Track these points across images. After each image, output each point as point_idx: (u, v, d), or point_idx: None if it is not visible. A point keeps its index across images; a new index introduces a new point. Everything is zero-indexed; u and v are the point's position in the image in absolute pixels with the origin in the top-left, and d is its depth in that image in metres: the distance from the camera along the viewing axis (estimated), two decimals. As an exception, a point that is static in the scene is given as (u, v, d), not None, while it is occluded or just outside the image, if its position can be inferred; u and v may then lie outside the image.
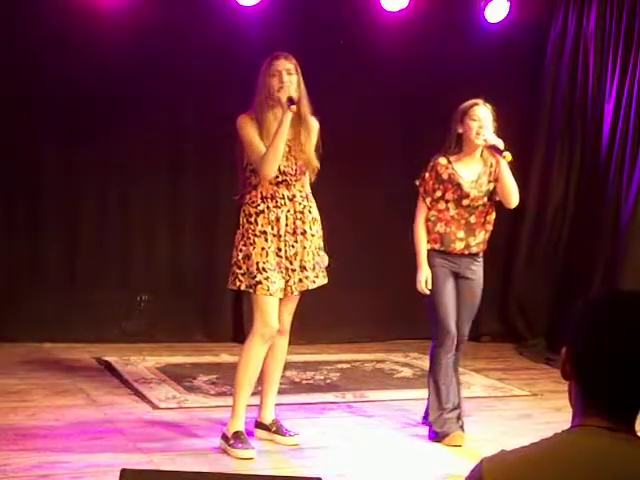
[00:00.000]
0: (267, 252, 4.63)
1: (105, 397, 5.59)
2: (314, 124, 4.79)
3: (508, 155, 4.73)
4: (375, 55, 7.21)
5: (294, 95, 4.54)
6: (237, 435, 4.62)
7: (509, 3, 7.27)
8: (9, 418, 5.06)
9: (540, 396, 6.11)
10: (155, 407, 5.43)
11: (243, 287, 4.68)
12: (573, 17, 7.49)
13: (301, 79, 4.68)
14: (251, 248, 4.63)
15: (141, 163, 7.10)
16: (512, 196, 4.85)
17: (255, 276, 4.61)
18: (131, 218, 7.16)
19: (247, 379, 4.67)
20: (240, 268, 4.66)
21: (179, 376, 6.17)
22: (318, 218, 4.83)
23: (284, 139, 4.55)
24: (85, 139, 6.92)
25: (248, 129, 4.64)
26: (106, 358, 6.54)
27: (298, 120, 4.66)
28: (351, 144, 7.05)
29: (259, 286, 4.61)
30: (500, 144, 4.76)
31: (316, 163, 4.77)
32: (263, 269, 4.62)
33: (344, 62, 7.11)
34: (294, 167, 4.69)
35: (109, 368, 6.34)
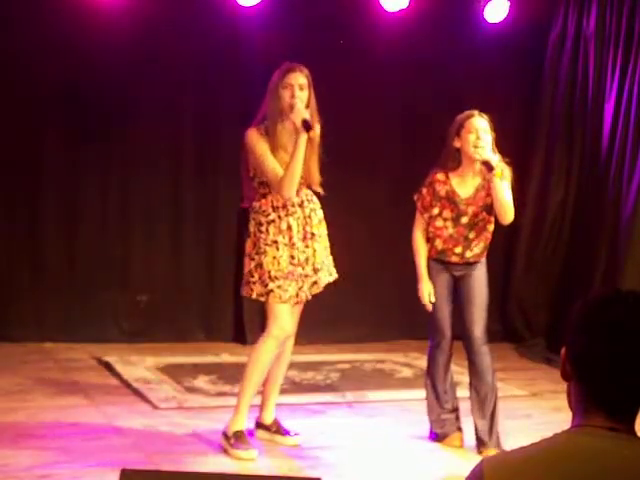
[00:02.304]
0: (278, 261, 4.63)
1: (105, 397, 5.59)
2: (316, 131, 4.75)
3: (499, 171, 4.64)
4: (375, 55, 7.20)
5: (307, 117, 4.46)
6: (238, 435, 4.62)
7: (509, 3, 7.27)
8: (9, 418, 5.06)
9: (540, 396, 6.11)
10: (155, 407, 5.43)
11: (254, 295, 4.70)
12: (573, 17, 7.49)
13: (312, 92, 4.63)
14: (263, 257, 4.64)
15: (141, 163, 7.09)
16: (505, 213, 4.75)
17: (267, 284, 4.63)
18: (131, 218, 7.15)
19: (255, 379, 4.67)
20: (253, 276, 4.68)
21: (179, 376, 6.17)
22: (323, 219, 4.82)
23: (301, 162, 4.50)
24: (85, 140, 6.92)
25: (260, 145, 4.58)
26: (106, 358, 6.54)
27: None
28: (350, 144, 7.03)
29: (272, 294, 4.63)
30: (493, 161, 4.66)
31: (317, 176, 4.75)
32: (275, 277, 4.63)
33: (344, 62, 7.09)
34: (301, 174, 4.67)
35: (109, 368, 6.34)
